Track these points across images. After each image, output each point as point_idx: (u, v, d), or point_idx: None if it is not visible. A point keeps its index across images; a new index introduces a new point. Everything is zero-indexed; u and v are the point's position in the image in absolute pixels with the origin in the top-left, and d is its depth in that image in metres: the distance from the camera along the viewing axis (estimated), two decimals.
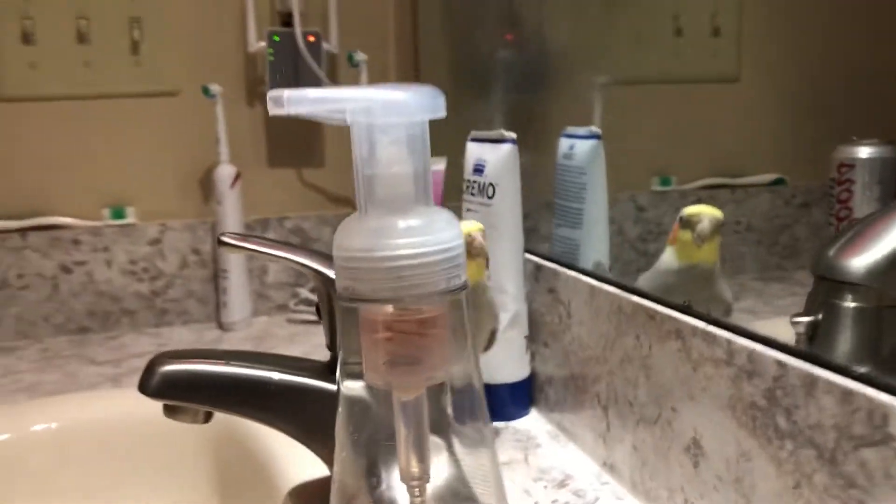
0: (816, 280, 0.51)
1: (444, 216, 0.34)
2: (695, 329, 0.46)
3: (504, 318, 0.65)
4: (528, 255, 0.69)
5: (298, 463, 0.55)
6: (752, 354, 0.42)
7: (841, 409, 0.36)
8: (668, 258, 0.57)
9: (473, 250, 0.57)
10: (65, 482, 0.65)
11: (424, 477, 0.35)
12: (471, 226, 0.58)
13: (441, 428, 0.37)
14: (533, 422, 0.67)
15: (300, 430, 0.47)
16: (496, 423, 0.66)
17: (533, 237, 0.72)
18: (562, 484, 0.56)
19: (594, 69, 0.79)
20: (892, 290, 0.49)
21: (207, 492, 0.68)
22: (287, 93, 0.30)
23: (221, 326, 1.00)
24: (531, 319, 0.68)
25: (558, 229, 0.72)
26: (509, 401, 0.68)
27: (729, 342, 0.43)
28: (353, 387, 0.36)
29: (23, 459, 0.65)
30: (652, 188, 0.80)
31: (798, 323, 0.50)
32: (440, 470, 0.37)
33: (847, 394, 0.35)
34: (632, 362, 0.53)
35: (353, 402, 0.36)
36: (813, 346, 0.49)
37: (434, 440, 0.36)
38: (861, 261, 0.49)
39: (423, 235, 0.33)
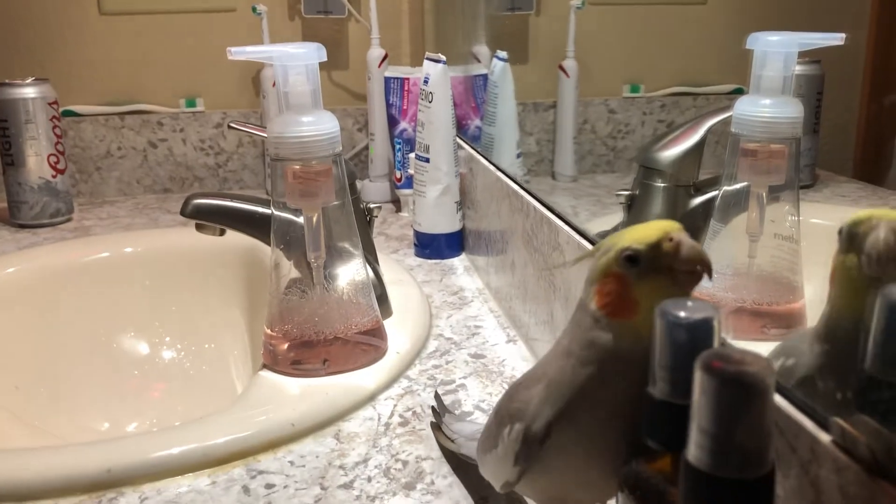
0: (639, 167, 0.77)
1: (328, 115, 0.62)
2: (512, 190, 0.74)
3: (439, 188, 0.94)
4: (462, 143, 0.96)
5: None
6: (534, 207, 0.68)
7: (550, 235, 0.63)
8: (828, 310, 0.36)
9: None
10: (145, 285, 0.98)
11: (321, 257, 0.65)
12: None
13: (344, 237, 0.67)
14: (459, 260, 0.96)
15: (274, 241, 0.77)
16: (436, 260, 0.95)
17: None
18: (455, 293, 0.85)
19: None
20: (683, 176, 0.74)
21: (238, 297, 1.00)
22: (234, 49, 0.58)
23: (267, 193, 1.31)
24: (462, 189, 0.96)
25: (484, 126, 0.99)
26: (445, 245, 0.96)
27: (526, 201, 0.70)
28: (280, 213, 0.65)
29: (119, 270, 0.98)
30: (623, 95, 1.04)
31: (620, 195, 0.77)
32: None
33: (550, 222, 0.63)
34: (497, 215, 0.81)
35: (281, 220, 0.65)
36: (630, 212, 0.76)
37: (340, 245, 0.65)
38: (667, 154, 0.74)
39: (315, 125, 0.61)
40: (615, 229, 0.61)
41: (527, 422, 0.36)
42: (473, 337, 0.74)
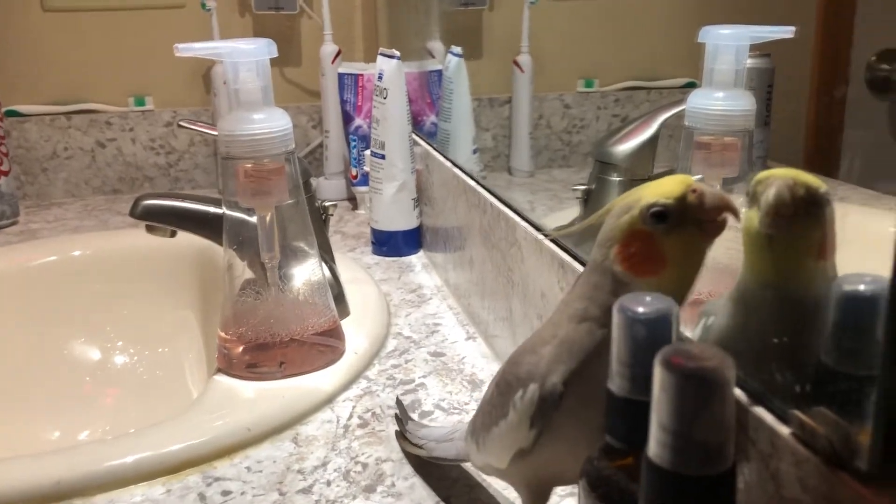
0: (594, 162, 0.77)
1: (280, 112, 0.61)
2: (469, 186, 0.73)
3: (395, 184, 0.93)
4: (418, 139, 0.96)
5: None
6: (491, 203, 0.68)
7: (507, 231, 0.63)
8: (739, 272, 0.36)
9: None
10: (95, 289, 0.96)
11: (275, 258, 0.64)
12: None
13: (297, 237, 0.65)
14: (417, 257, 0.95)
15: (226, 242, 0.75)
16: (394, 258, 0.94)
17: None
18: (413, 291, 0.84)
19: None
20: (638, 170, 0.74)
21: (192, 299, 0.98)
22: (181, 45, 0.57)
23: (220, 192, 1.29)
24: (419, 186, 0.95)
25: (440, 122, 0.98)
26: (402, 243, 0.96)
27: (483, 197, 0.70)
28: (232, 213, 0.64)
29: (68, 274, 0.95)
30: (577, 89, 1.04)
31: (577, 190, 0.76)
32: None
33: (507, 218, 0.62)
34: (454, 212, 0.80)
35: (233, 220, 0.64)
36: (586, 207, 0.76)
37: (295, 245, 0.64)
38: (622, 149, 0.74)
39: (266, 123, 0.60)
40: (572, 224, 0.60)
41: (539, 382, 0.35)
42: (433, 335, 0.73)
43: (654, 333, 0.31)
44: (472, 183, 0.73)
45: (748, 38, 0.56)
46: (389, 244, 0.95)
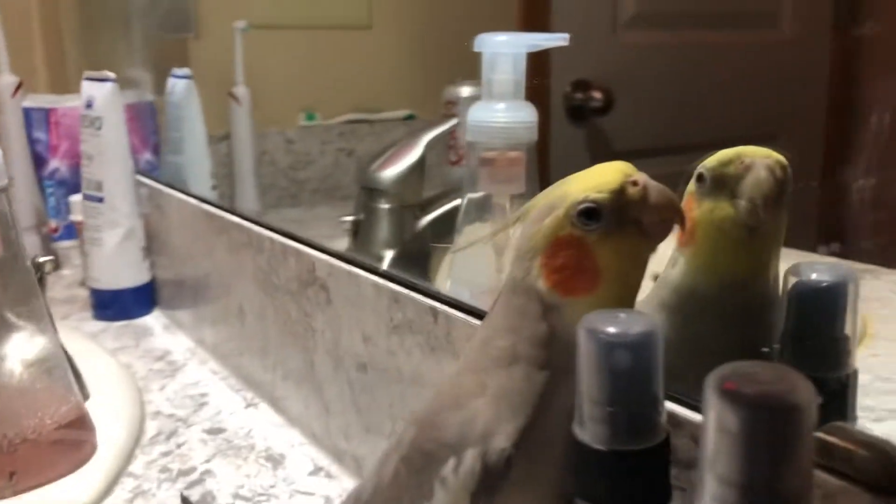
0: (360, 189, 0.68)
1: None
2: (233, 223, 0.61)
3: (119, 232, 0.77)
4: (142, 179, 0.81)
5: None
6: (272, 238, 0.57)
7: (297, 265, 0.52)
8: (681, 274, 0.30)
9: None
10: None
11: None
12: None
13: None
14: (153, 318, 0.79)
15: None
16: (124, 322, 0.78)
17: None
18: (160, 358, 0.69)
19: (234, 15, 0.90)
20: (407, 195, 0.67)
21: None
22: None
23: None
24: (149, 233, 0.80)
25: (167, 156, 0.84)
26: (132, 302, 0.79)
27: (257, 233, 0.58)
28: None
29: None
30: (299, 123, 0.94)
31: (344, 222, 0.67)
32: None
33: (299, 253, 0.52)
34: (208, 256, 0.67)
35: None
36: (357, 239, 0.67)
37: None
38: (389, 173, 0.66)
39: None
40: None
41: (479, 447, 0.26)
42: (202, 408, 0.59)
43: (641, 360, 0.24)
44: (237, 219, 0.61)
45: (525, 45, 0.52)
46: (115, 306, 0.79)
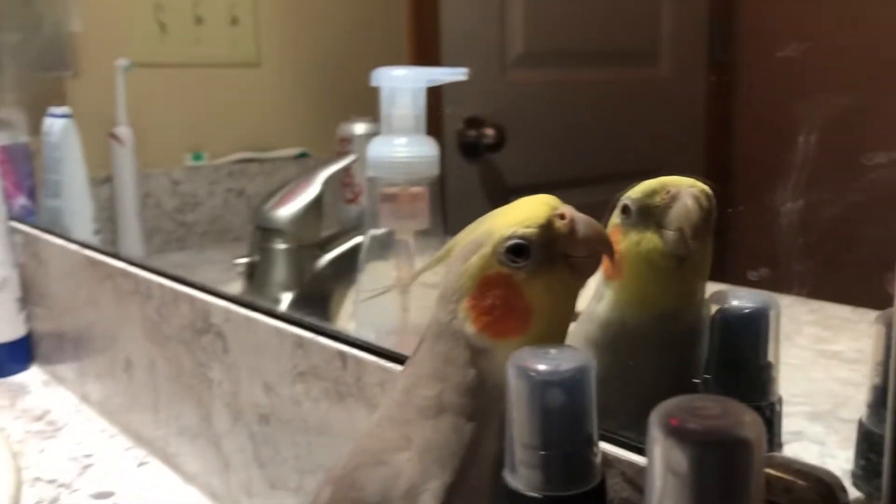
0: (255, 229, 0.65)
1: None
2: (118, 269, 0.57)
3: None
4: (17, 225, 0.75)
5: None
6: (161, 284, 0.53)
7: (190, 312, 0.49)
8: (608, 308, 0.29)
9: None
10: None
11: None
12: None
13: None
14: (30, 374, 0.73)
15: None
16: None
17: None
18: (39, 418, 0.64)
19: (115, 53, 0.85)
20: (305, 234, 0.64)
21: None
22: None
23: None
24: (24, 283, 0.74)
25: (45, 200, 0.79)
26: (7, 358, 0.73)
27: (144, 279, 0.54)
28: None
29: None
30: (186, 164, 0.90)
31: (238, 264, 0.64)
32: None
33: (192, 299, 0.49)
34: (92, 306, 0.63)
35: None
36: (252, 282, 0.63)
37: None
38: (285, 212, 0.64)
39: None
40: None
41: (406, 501, 0.24)
42: (87, 471, 0.55)
43: (575, 398, 0.22)
44: (122, 264, 0.57)
45: (424, 80, 0.51)
46: None
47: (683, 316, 0.28)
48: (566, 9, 0.72)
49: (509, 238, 0.24)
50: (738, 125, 0.56)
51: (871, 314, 0.40)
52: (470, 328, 0.25)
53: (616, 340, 0.29)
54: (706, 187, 0.27)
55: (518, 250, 0.24)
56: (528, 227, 0.24)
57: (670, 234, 0.27)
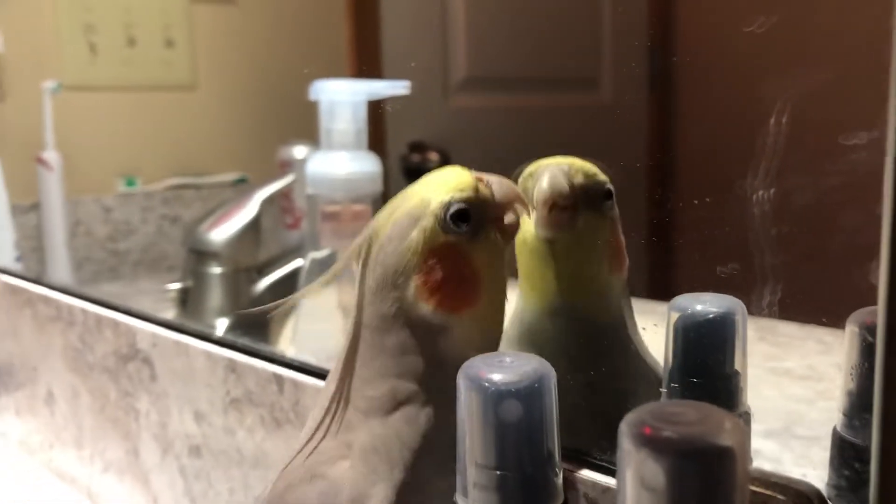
0: (188, 252, 0.62)
1: None
2: (38, 295, 0.54)
3: None
4: None
5: None
6: (84, 310, 0.50)
7: (115, 338, 0.46)
8: (514, 309, 0.27)
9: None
10: None
11: None
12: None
13: None
14: None
15: None
16: None
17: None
18: None
19: (43, 75, 0.82)
20: (242, 257, 0.61)
21: None
22: None
23: None
24: None
25: None
26: None
27: (66, 305, 0.51)
28: None
29: None
30: (118, 190, 0.86)
31: (170, 290, 0.61)
32: None
33: (116, 324, 0.45)
34: (11, 336, 0.59)
35: None
36: (185, 309, 0.60)
37: None
38: (220, 234, 0.61)
39: None
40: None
41: None
42: None
43: (533, 411, 0.20)
44: (43, 290, 0.54)
45: (365, 94, 0.50)
46: None
47: (579, 311, 0.26)
48: (508, 34, 0.71)
49: (450, 203, 0.23)
50: (679, 147, 0.56)
51: (818, 331, 0.39)
52: (425, 307, 0.23)
53: (520, 341, 0.27)
54: (579, 161, 0.25)
55: (462, 216, 0.23)
56: (462, 191, 0.24)
57: (534, 216, 0.25)
